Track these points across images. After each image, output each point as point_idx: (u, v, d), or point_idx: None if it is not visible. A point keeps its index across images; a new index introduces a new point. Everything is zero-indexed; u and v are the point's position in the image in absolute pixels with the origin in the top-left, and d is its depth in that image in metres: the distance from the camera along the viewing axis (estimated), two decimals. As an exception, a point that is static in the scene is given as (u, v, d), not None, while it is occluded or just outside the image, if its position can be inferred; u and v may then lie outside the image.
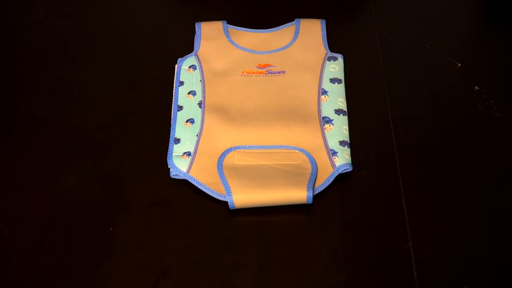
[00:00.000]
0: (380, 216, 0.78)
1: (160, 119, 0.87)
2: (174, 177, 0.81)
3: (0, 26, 1.01)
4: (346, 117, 0.85)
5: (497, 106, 0.87)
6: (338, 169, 0.79)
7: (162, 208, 0.79)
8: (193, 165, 0.80)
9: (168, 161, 0.81)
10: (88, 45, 0.97)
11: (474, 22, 1.02)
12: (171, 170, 0.80)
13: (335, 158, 0.81)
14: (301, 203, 0.77)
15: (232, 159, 0.81)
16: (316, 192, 0.78)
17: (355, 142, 0.83)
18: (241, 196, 0.76)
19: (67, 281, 0.73)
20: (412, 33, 0.98)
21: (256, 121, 0.84)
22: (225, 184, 0.77)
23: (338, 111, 0.85)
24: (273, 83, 0.89)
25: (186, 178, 0.79)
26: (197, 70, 0.91)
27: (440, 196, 0.79)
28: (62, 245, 0.76)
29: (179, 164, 0.80)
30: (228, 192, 0.76)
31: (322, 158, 0.81)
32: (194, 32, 0.96)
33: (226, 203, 0.78)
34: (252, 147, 0.82)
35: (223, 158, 0.81)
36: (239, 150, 0.82)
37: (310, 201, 0.76)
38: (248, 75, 0.90)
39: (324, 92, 0.88)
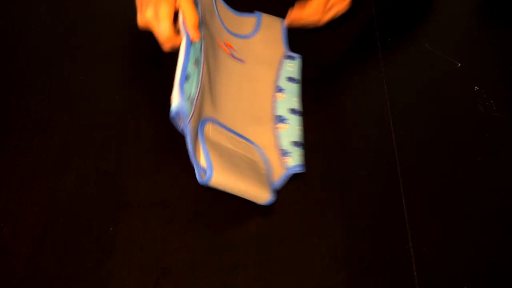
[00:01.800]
0: (380, 216, 0.78)
1: (160, 119, 0.87)
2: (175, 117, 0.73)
3: (0, 26, 1.01)
4: (301, 118, 0.85)
5: (497, 106, 0.87)
6: (289, 170, 0.80)
7: (162, 208, 0.79)
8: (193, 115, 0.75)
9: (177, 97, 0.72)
10: (89, 45, 0.97)
11: (474, 22, 1.02)
12: (176, 107, 0.72)
13: (286, 159, 0.80)
14: (261, 203, 0.76)
15: (208, 130, 0.77)
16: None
17: (355, 142, 0.83)
18: (220, 177, 0.72)
19: (67, 281, 0.73)
20: (412, 33, 0.98)
21: (227, 101, 0.82)
22: (207, 156, 0.72)
23: (293, 111, 0.85)
24: (235, 68, 0.87)
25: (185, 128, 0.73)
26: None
27: (440, 196, 0.79)
28: (62, 245, 0.76)
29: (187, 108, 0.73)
30: (209, 166, 0.72)
31: (273, 157, 0.81)
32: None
33: (226, 203, 0.78)
34: (224, 127, 0.80)
35: (203, 126, 0.76)
36: (214, 126, 0.78)
37: (270, 202, 0.76)
38: (220, 48, 0.87)
39: (280, 90, 0.87)
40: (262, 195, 0.75)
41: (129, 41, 0.98)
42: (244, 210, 0.78)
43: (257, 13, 0.96)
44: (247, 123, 0.82)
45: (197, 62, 0.76)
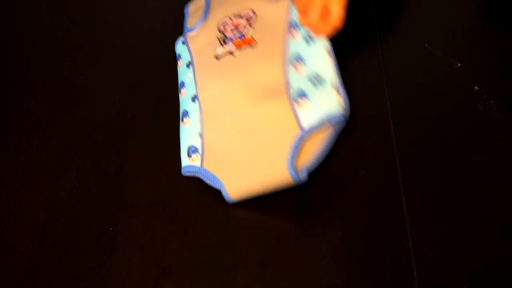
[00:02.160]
0: (380, 216, 0.78)
1: (160, 119, 0.87)
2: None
3: (0, 26, 1.01)
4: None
5: (497, 106, 0.87)
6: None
7: (162, 208, 0.79)
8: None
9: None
10: (88, 45, 0.97)
11: (474, 22, 1.02)
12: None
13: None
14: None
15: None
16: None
17: (355, 142, 0.83)
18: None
19: (67, 281, 0.73)
20: (412, 33, 0.98)
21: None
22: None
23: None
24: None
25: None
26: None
27: (440, 196, 0.79)
28: (62, 245, 0.76)
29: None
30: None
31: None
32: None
33: (226, 203, 0.78)
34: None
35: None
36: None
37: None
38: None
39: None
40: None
41: (129, 41, 0.98)
42: (244, 210, 0.78)
43: None
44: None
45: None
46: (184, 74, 0.85)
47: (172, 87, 0.90)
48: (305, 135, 0.73)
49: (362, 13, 1.01)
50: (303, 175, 0.75)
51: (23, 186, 0.81)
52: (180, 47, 0.89)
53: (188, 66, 0.85)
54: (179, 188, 0.80)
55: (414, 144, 0.84)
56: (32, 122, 0.87)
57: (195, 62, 0.84)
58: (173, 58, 0.93)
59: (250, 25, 0.83)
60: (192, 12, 0.93)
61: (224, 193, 0.76)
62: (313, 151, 0.74)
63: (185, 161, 0.79)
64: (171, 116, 0.87)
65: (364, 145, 0.84)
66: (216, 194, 0.79)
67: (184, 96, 0.83)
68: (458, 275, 0.73)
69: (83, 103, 0.90)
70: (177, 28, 0.99)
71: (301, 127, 0.73)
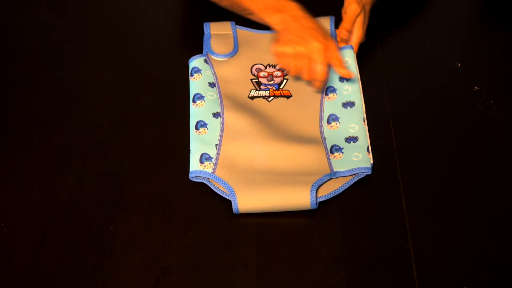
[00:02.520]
0: (380, 216, 0.78)
1: (161, 119, 0.87)
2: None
3: (0, 26, 1.01)
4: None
5: (497, 106, 0.87)
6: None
7: (162, 208, 0.78)
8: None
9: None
10: (88, 45, 0.97)
11: (474, 22, 1.02)
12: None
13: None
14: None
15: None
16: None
17: (355, 142, 0.83)
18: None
19: (67, 281, 0.73)
20: (412, 33, 0.98)
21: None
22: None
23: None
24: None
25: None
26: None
27: (440, 196, 0.79)
28: (62, 245, 0.76)
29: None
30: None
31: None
32: (194, 31, 0.96)
33: (226, 203, 0.78)
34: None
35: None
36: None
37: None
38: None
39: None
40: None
41: (129, 41, 0.98)
42: (244, 210, 0.78)
43: None
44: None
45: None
46: (204, 90, 0.87)
47: (172, 87, 0.90)
48: (334, 177, 0.79)
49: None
50: (317, 203, 0.78)
51: (23, 186, 0.81)
52: (201, 63, 0.90)
53: (211, 85, 0.88)
54: (179, 188, 0.80)
55: (414, 144, 0.84)
56: (32, 122, 0.87)
57: (221, 88, 0.89)
58: (173, 59, 0.93)
59: (283, 76, 0.91)
60: (216, 35, 0.94)
61: (233, 203, 0.77)
62: (333, 188, 0.79)
63: (195, 166, 0.80)
64: (171, 117, 0.87)
65: (364, 145, 0.84)
66: (216, 194, 0.79)
67: (203, 109, 0.85)
68: (458, 275, 0.73)
69: (83, 103, 0.90)
70: (177, 29, 0.99)
71: (332, 170, 0.80)
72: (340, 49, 0.90)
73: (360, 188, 0.80)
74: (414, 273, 0.72)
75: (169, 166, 0.82)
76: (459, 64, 0.93)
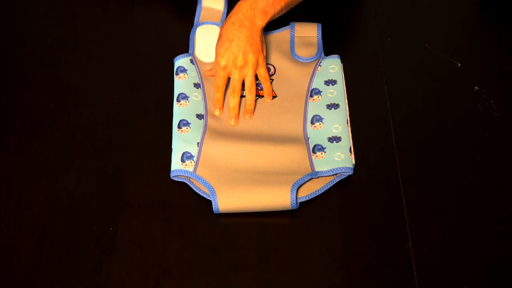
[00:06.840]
0: (380, 216, 0.78)
1: (160, 119, 0.87)
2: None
3: (0, 26, 1.01)
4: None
5: (497, 106, 0.87)
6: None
7: (162, 208, 0.79)
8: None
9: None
10: (88, 45, 0.97)
11: (474, 22, 1.02)
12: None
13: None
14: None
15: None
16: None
17: (355, 142, 0.83)
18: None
19: (67, 281, 0.73)
20: (412, 33, 0.98)
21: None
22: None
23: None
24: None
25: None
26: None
27: (440, 196, 0.79)
28: (62, 245, 0.76)
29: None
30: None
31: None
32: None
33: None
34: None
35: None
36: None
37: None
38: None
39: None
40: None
41: (129, 41, 0.98)
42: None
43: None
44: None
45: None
46: (189, 90, 0.88)
47: (172, 87, 0.90)
48: (315, 176, 0.79)
49: (362, 13, 1.01)
50: (297, 204, 0.78)
51: (23, 186, 0.81)
52: (186, 63, 0.91)
53: (196, 86, 0.89)
54: (179, 188, 0.80)
55: (414, 144, 0.84)
56: (32, 122, 0.87)
57: (206, 89, 0.89)
58: (173, 59, 0.93)
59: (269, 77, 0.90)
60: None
61: (213, 202, 0.77)
62: (315, 189, 0.79)
63: (176, 165, 0.80)
64: (171, 116, 0.87)
65: (364, 145, 0.84)
66: (216, 194, 0.79)
67: (186, 109, 0.86)
68: (458, 275, 0.73)
69: (83, 103, 0.90)
70: (177, 29, 0.99)
71: (313, 170, 0.80)
72: (327, 58, 0.91)
73: (360, 188, 0.80)
74: (414, 273, 0.72)
75: (169, 166, 0.82)
76: (459, 64, 0.93)
